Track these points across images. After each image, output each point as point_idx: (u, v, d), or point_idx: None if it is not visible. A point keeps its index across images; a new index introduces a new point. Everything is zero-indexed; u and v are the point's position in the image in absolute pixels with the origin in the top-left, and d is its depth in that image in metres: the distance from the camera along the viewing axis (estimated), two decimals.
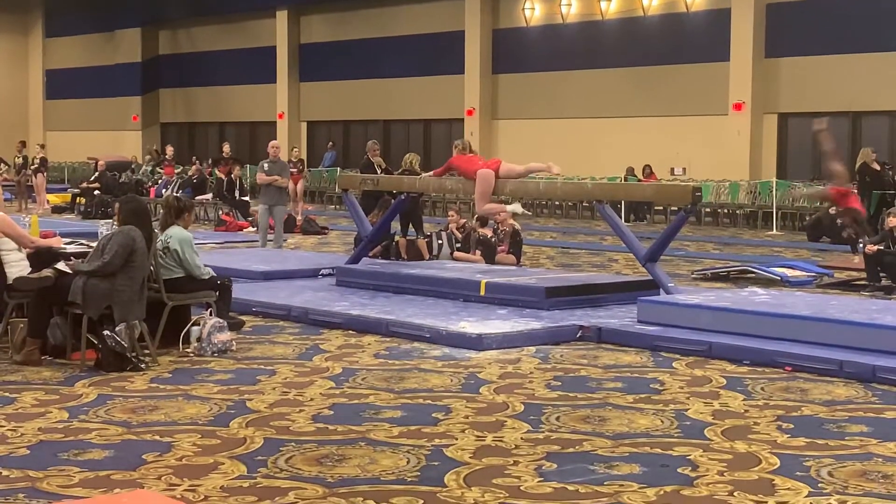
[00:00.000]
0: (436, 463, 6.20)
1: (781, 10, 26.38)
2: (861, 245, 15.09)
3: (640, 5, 28.78)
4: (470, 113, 31.95)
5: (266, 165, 17.64)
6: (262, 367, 8.89)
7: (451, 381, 8.41)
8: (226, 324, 9.59)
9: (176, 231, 9.84)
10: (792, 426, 7.06)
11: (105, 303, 8.70)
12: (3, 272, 9.19)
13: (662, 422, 7.16)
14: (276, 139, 35.92)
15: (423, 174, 13.87)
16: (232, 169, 24.48)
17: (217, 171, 26.55)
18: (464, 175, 12.91)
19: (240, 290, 11.22)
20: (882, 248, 13.90)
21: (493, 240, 15.90)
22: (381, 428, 6.96)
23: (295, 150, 28.40)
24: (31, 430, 6.84)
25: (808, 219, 22.50)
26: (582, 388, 8.18)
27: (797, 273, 14.75)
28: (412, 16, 33.53)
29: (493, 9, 31.93)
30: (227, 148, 28.60)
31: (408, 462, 6.21)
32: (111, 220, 11.11)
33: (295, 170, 25.50)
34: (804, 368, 8.71)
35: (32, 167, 28.38)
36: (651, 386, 8.25)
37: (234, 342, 9.56)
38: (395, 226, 16.42)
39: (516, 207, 13.19)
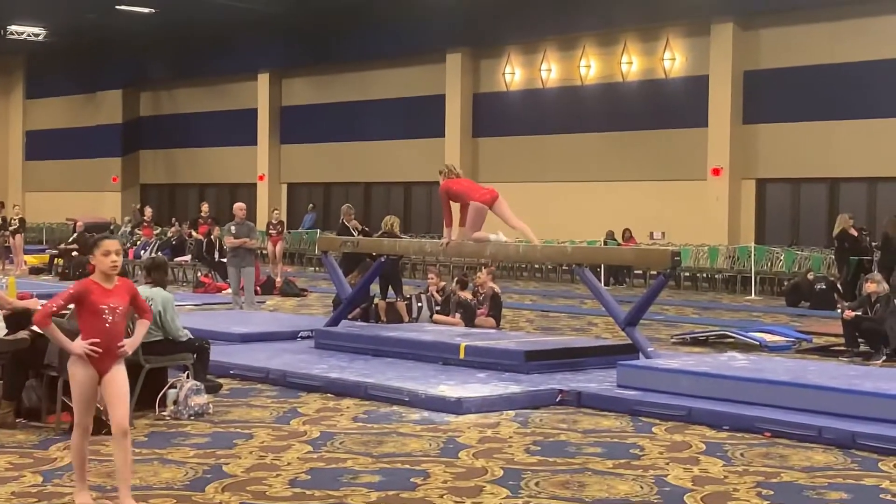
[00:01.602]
0: None
1: (759, 77, 26.66)
2: (839, 310, 15.11)
3: (619, 71, 29.06)
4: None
5: (233, 228, 17.65)
6: (239, 430, 8.81)
7: (430, 445, 8.35)
8: (203, 386, 9.52)
9: (158, 292, 9.80)
10: (772, 492, 7.02)
11: None
12: None
13: (642, 487, 7.12)
14: (256, 201, 36.20)
15: (450, 237, 13.20)
16: (211, 230, 24.44)
17: (195, 233, 26.51)
18: (463, 200, 12.76)
19: (218, 353, 11.16)
20: (860, 313, 13.93)
21: (472, 303, 15.89)
22: (359, 493, 6.90)
23: (275, 211, 28.42)
24: (4, 494, 6.75)
25: (786, 284, 22.58)
26: (561, 452, 8.14)
27: (776, 338, 14.76)
28: (393, 79, 33.77)
29: (473, 73, 32.18)
30: (205, 207, 28.61)
31: None
32: None
33: (274, 231, 25.52)
34: (783, 434, 8.69)
35: (11, 228, 28.27)
36: (631, 451, 8.21)
37: (210, 405, 9.48)
38: (375, 288, 16.40)
39: (500, 237, 13.19)
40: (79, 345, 6.30)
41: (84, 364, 6.32)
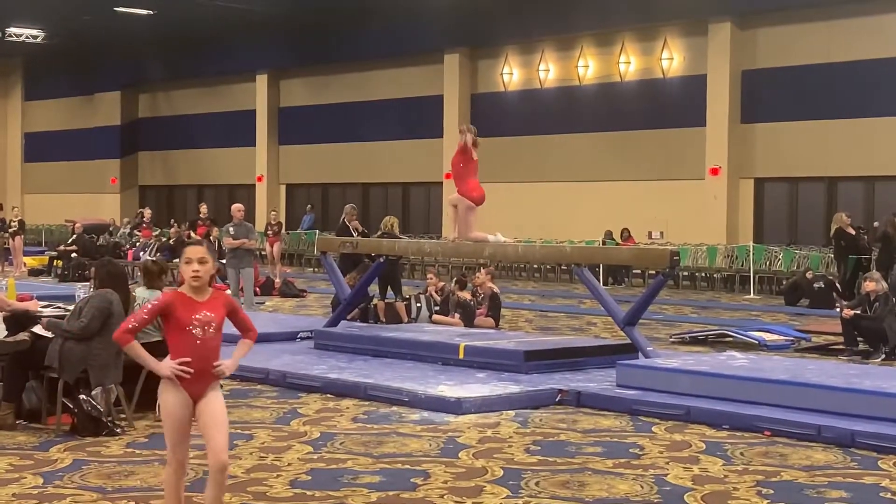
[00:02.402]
0: None
1: (757, 77, 26.69)
2: (838, 309, 15.13)
3: (617, 71, 29.07)
4: (448, 176, 31.93)
5: (231, 229, 17.66)
6: (240, 431, 8.82)
7: (430, 445, 8.36)
8: None
9: (153, 294, 9.78)
10: (772, 491, 7.03)
11: (81, 367, 8.64)
12: None
13: (642, 487, 7.13)
14: (255, 202, 36.21)
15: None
16: (210, 231, 24.45)
17: (194, 234, 26.49)
18: (458, 184, 12.85)
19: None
20: (859, 312, 13.95)
21: (471, 303, 15.90)
22: (360, 493, 6.91)
23: (273, 213, 28.42)
24: (5, 496, 6.76)
25: (785, 283, 22.60)
26: (561, 452, 8.15)
27: (775, 337, 14.77)
28: (391, 80, 33.79)
29: (471, 73, 32.19)
30: (204, 208, 28.59)
31: None
32: (88, 283, 11.07)
33: (270, 232, 25.53)
34: (783, 433, 8.70)
35: (10, 230, 28.26)
36: (630, 450, 8.22)
37: None
38: (374, 289, 16.41)
39: (499, 237, 13.23)
40: (167, 365, 5.58)
41: (174, 387, 5.61)
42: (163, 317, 5.64)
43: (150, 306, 5.70)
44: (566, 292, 23.98)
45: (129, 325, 5.70)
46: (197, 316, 5.62)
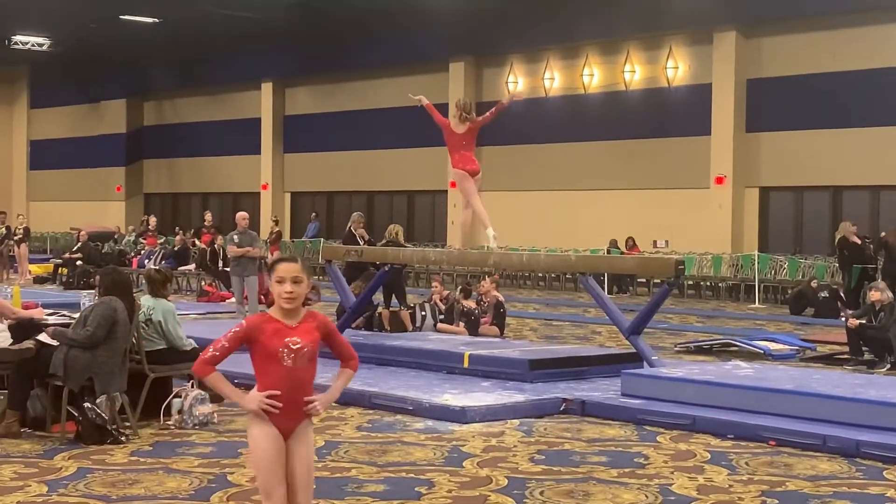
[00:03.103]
0: None
1: (762, 86, 26.68)
2: (843, 318, 15.12)
3: (622, 80, 29.08)
4: (453, 185, 32.04)
5: (236, 237, 17.66)
6: (244, 439, 8.78)
7: (435, 454, 8.36)
8: (207, 396, 9.52)
9: (159, 302, 9.81)
10: (777, 501, 7.02)
11: (86, 375, 8.64)
12: None
13: (647, 496, 7.12)
14: (259, 210, 36.23)
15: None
16: (214, 239, 24.47)
17: (199, 242, 26.54)
18: (451, 153, 12.88)
19: (222, 362, 11.13)
20: (864, 322, 13.93)
21: (476, 311, 15.89)
22: (364, 502, 6.91)
23: (273, 220, 28.41)
24: None
25: (790, 292, 22.57)
26: (566, 461, 8.14)
27: (780, 346, 14.76)
28: (396, 88, 33.76)
29: (476, 82, 32.22)
30: (208, 216, 28.63)
31: None
32: (93, 291, 11.08)
33: (269, 240, 25.59)
34: (788, 443, 8.69)
35: (16, 237, 28.30)
36: (635, 460, 8.21)
37: (215, 414, 9.49)
38: (378, 297, 16.39)
39: (490, 232, 13.25)
40: (254, 398, 4.93)
41: (263, 422, 4.96)
42: (248, 343, 4.96)
43: (232, 332, 5.00)
44: (571, 301, 23.97)
45: (209, 355, 4.99)
46: (287, 342, 4.94)
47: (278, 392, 4.93)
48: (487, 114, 13.05)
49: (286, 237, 36.01)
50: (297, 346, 4.96)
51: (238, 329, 4.99)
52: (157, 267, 20.27)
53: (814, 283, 21.13)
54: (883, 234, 22.59)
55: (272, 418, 4.95)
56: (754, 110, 26.80)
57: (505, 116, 31.30)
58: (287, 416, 4.97)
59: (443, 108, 32.65)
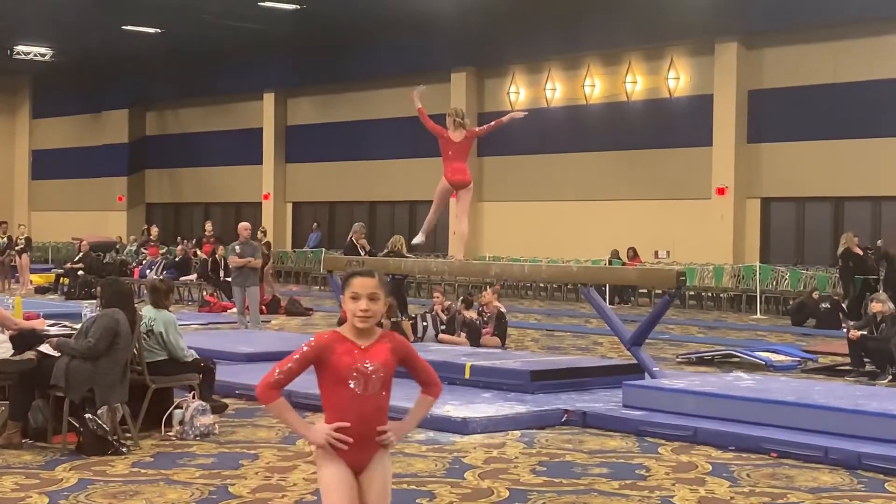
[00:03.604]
0: None
1: (763, 97, 26.71)
2: (845, 330, 15.11)
3: (623, 91, 29.11)
4: (455, 195, 32.05)
5: (238, 247, 17.68)
6: (245, 450, 8.81)
7: (436, 465, 8.35)
8: (208, 407, 9.53)
9: (160, 313, 9.82)
10: None
11: (87, 385, 8.64)
12: None
13: None
14: (261, 220, 36.25)
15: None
16: (216, 249, 24.47)
17: (200, 252, 26.55)
18: (445, 162, 12.89)
19: (223, 372, 11.16)
20: (866, 333, 13.92)
21: (478, 322, 15.89)
22: None
23: (262, 231, 28.26)
24: None
25: (791, 303, 22.56)
26: (567, 473, 8.13)
27: (781, 357, 14.75)
28: (397, 98, 33.80)
29: (478, 92, 32.26)
30: (209, 226, 28.62)
31: None
32: (95, 301, 11.09)
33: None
34: (789, 454, 8.68)
35: (17, 247, 28.31)
36: (637, 472, 8.20)
37: (216, 425, 9.48)
38: None
39: (419, 238, 13.40)
40: (321, 432, 4.41)
41: (332, 461, 4.45)
42: (316, 365, 4.45)
43: (299, 353, 4.48)
44: (572, 311, 23.96)
45: (273, 378, 4.47)
46: (358, 366, 4.43)
47: (348, 424, 4.39)
48: (486, 126, 13.09)
49: (287, 247, 36.06)
50: (370, 370, 4.44)
51: (306, 348, 4.46)
52: (161, 277, 20.27)
53: (815, 295, 21.12)
54: (879, 242, 22.61)
55: (341, 453, 4.43)
56: (756, 121, 26.82)
57: (506, 127, 31.39)
58: (358, 450, 4.44)
59: (443, 119, 32.59)
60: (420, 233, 13.58)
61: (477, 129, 13.00)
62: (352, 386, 4.41)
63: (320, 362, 4.44)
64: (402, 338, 4.61)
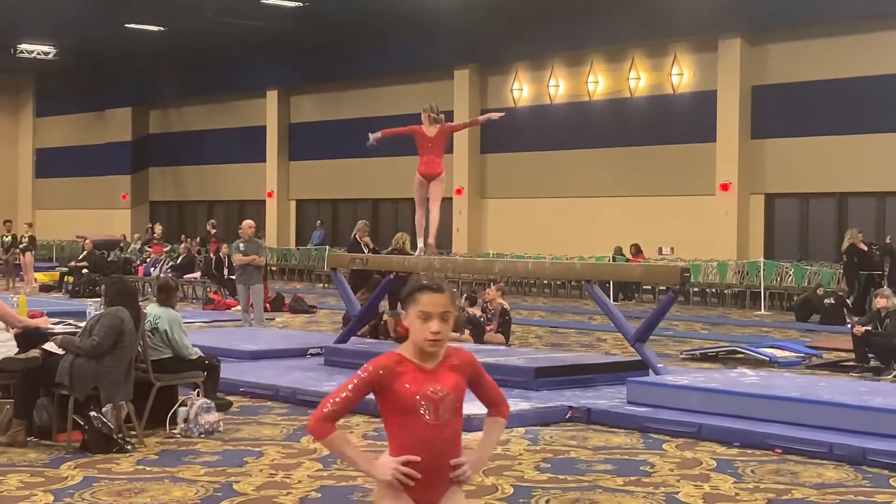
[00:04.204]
0: None
1: (767, 92, 26.68)
2: (849, 325, 15.10)
3: (627, 87, 29.08)
4: (459, 192, 32.12)
5: (241, 245, 17.69)
6: (250, 448, 8.82)
7: None
8: (213, 404, 9.54)
9: (165, 311, 9.83)
10: None
11: (92, 384, 8.65)
12: None
13: None
14: (265, 218, 36.27)
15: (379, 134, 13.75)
16: (220, 247, 24.49)
17: (209, 249, 26.57)
18: (420, 156, 12.97)
19: (227, 370, 11.17)
20: (870, 328, 13.91)
21: (481, 319, 15.89)
22: None
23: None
24: None
25: (795, 299, 22.55)
26: (572, 470, 8.13)
27: (786, 354, 14.74)
28: (400, 95, 33.83)
29: (481, 89, 32.24)
30: (209, 226, 28.60)
31: None
32: (99, 299, 11.10)
33: None
34: (794, 451, 8.67)
35: (21, 246, 28.35)
36: (641, 468, 8.20)
37: (221, 423, 9.49)
38: (384, 305, 16.40)
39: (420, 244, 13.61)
40: (386, 467, 3.88)
41: (396, 496, 3.91)
42: (375, 392, 3.93)
43: (356, 377, 3.95)
44: (576, 308, 23.96)
45: (327, 410, 3.94)
46: (427, 392, 3.90)
47: (417, 458, 3.86)
48: (460, 123, 13.23)
49: (291, 245, 36.07)
50: (440, 395, 3.90)
51: (364, 374, 3.91)
52: (171, 276, 20.28)
53: (820, 291, 21.10)
54: (888, 238, 22.59)
55: (409, 490, 3.89)
56: (759, 117, 26.79)
57: (510, 124, 31.45)
58: (429, 486, 3.90)
59: (447, 116, 32.60)
60: (419, 241, 13.66)
61: (451, 124, 13.05)
62: (421, 414, 3.87)
63: (381, 389, 3.90)
64: (469, 353, 4.07)
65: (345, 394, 3.91)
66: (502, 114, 14.58)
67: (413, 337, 3.91)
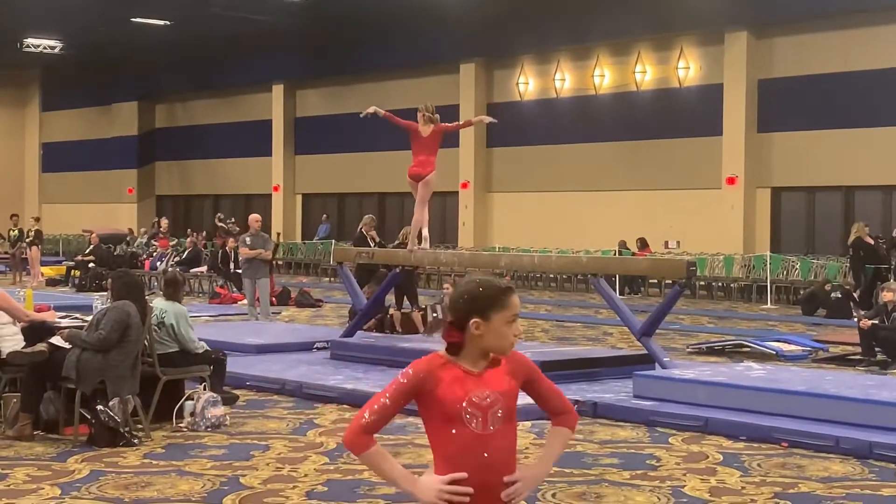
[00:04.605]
0: None
1: (773, 86, 26.63)
2: (856, 319, 15.08)
3: (633, 80, 29.05)
4: (465, 186, 32.11)
5: (248, 239, 17.71)
6: (256, 442, 8.83)
7: None
8: (219, 398, 9.55)
9: (171, 305, 9.84)
10: (789, 503, 7.00)
11: (99, 377, 8.66)
12: None
13: (659, 499, 7.11)
14: (271, 212, 36.28)
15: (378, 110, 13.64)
16: (226, 241, 24.51)
17: (211, 243, 26.58)
18: (413, 155, 12.97)
19: (234, 364, 11.19)
20: (877, 322, 13.90)
21: None
22: None
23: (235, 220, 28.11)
24: None
25: (802, 292, 22.52)
26: (578, 463, 8.13)
27: (792, 347, 14.73)
28: (407, 89, 33.79)
29: (487, 83, 32.21)
30: (218, 218, 28.60)
31: None
32: (106, 293, 11.11)
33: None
34: (800, 444, 8.67)
35: (27, 240, 28.38)
36: (647, 462, 8.20)
37: (227, 417, 9.50)
38: (390, 299, 16.41)
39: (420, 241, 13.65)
40: (430, 488, 3.49)
41: None
42: (418, 400, 3.56)
43: (395, 383, 3.56)
44: (582, 302, 23.95)
45: (364, 421, 3.53)
46: (473, 398, 3.51)
47: (464, 475, 3.45)
48: (454, 124, 13.24)
49: (297, 239, 36.09)
50: (489, 401, 3.51)
51: (403, 380, 3.54)
52: (178, 270, 20.30)
53: (827, 287, 21.06)
54: (895, 232, 22.54)
55: None
56: (766, 110, 26.75)
57: (516, 117, 31.43)
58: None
59: (453, 110, 32.61)
60: (410, 239, 13.68)
61: (445, 125, 13.03)
62: (466, 423, 3.47)
63: (423, 396, 3.53)
64: (522, 355, 3.65)
65: (383, 401, 3.52)
66: (495, 120, 14.57)
67: (498, 342, 3.51)
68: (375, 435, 3.52)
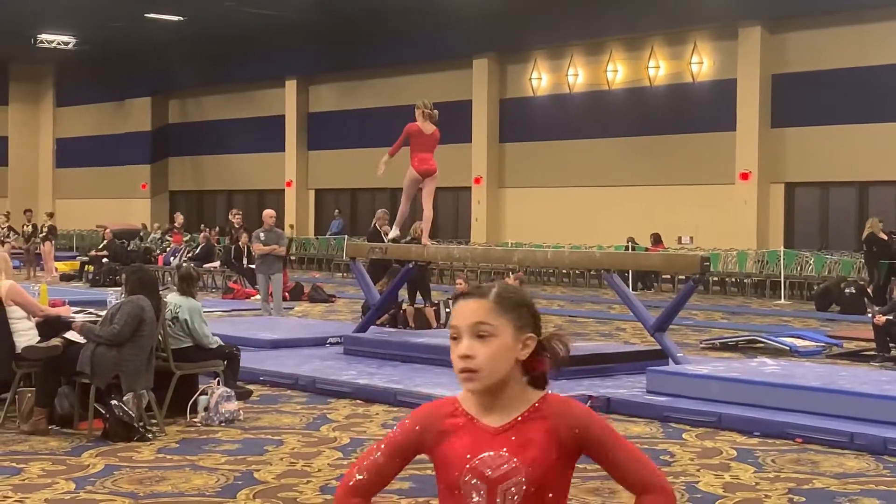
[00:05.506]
0: None
1: (787, 81, 26.55)
2: (870, 315, 15.04)
3: (646, 75, 28.99)
4: (477, 181, 32.09)
5: (262, 235, 17.73)
6: (270, 437, 8.85)
7: None
8: (233, 393, 9.57)
9: (185, 300, 9.86)
10: (804, 499, 6.99)
11: (113, 372, 8.69)
12: (12, 341, 9.19)
13: None
14: (284, 207, 36.32)
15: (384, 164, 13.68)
16: (239, 236, 24.53)
17: (224, 239, 26.59)
18: (414, 153, 13.03)
19: (247, 359, 11.21)
20: (891, 318, 13.85)
21: None
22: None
23: (238, 215, 28.02)
24: (37, 502, 6.80)
25: (816, 288, 22.46)
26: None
27: (806, 343, 14.70)
28: (419, 85, 33.78)
29: (500, 78, 32.19)
30: (233, 214, 28.60)
31: None
32: (120, 289, 11.14)
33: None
34: (815, 440, 8.65)
35: (41, 235, 28.46)
36: (661, 457, 8.19)
37: (241, 412, 9.52)
38: (403, 294, 16.42)
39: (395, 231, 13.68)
40: None
41: None
42: (419, 453, 2.74)
43: (390, 434, 2.73)
44: (595, 297, 23.92)
45: (354, 481, 2.70)
46: (476, 462, 2.59)
47: None
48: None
49: (310, 234, 36.12)
50: (500, 470, 2.56)
51: (397, 430, 2.72)
52: (192, 265, 20.34)
53: (842, 284, 21.00)
54: None
55: None
56: (779, 105, 26.67)
57: (529, 113, 31.38)
58: None
59: (466, 105, 32.58)
60: (394, 227, 13.81)
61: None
62: (464, 498, 2.60)
63: (425, 450, 2.69)
64: (572, 403, 2.76)
65: (375, 457, 2.70)
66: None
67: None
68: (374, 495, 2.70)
